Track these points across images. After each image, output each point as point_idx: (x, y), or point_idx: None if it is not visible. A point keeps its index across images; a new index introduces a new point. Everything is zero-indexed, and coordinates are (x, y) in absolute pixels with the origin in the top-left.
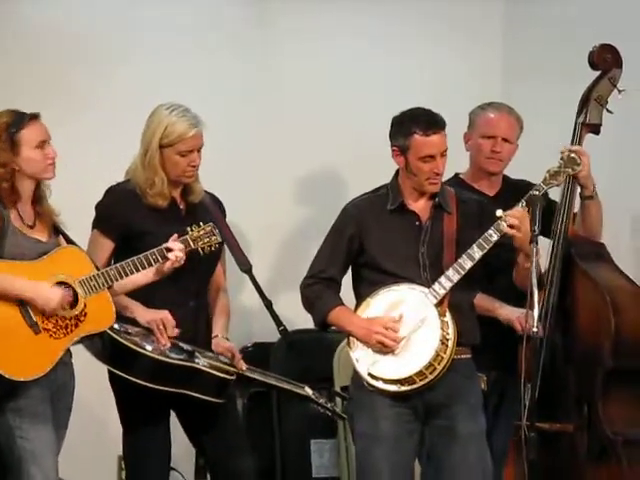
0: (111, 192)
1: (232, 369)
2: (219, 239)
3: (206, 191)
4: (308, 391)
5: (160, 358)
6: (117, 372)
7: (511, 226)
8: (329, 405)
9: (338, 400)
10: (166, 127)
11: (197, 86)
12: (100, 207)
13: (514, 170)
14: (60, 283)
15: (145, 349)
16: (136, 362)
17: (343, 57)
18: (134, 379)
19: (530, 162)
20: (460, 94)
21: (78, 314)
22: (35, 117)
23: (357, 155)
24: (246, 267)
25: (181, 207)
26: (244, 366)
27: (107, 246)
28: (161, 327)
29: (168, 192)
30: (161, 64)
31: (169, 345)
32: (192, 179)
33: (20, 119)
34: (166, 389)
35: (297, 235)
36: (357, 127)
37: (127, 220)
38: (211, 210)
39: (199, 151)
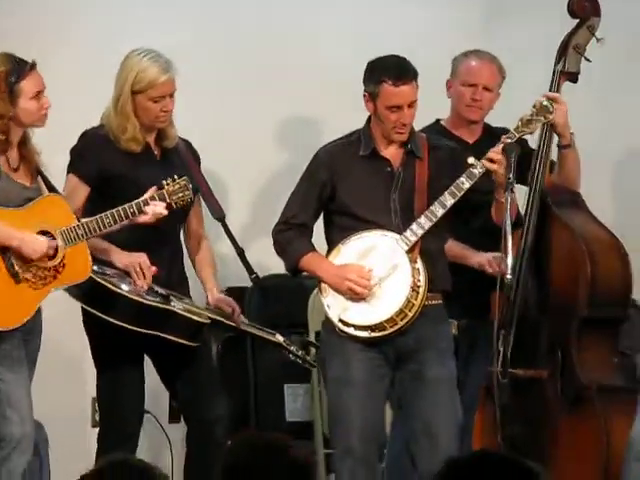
0: (85, 136)
1: (205, 314)
2: (192, 195)
3: (180, 137)
4: (279, 338)
5: (137, 299)
6: (94, 312)
7: (492, 161)
8: (300, 353)
9: (312, 349)
10: (137, 73)
11: (175, 32)
12: (74, 151)
13: (495, 117)
14: (42, 232)
15: (123, 290)
16: (113, 303)
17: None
18: (111, 319)
19: (511, 109)
20: (444, 39)
21: (57, 265)
22: (33, 66)
23: (332, 100)
24: (219, 215)
25: (155, 152)
26: (241, 321)
27: (82, 190)
28: (138, 269)
29: (141, 137)
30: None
31: (146, 287)
32: (165, 124)
33: (19, 68)
34: (142, 330)
35: (272, 180)
36: (334, 73)
37: (102, 164)
38: (185, 157)
39: (172, 96)
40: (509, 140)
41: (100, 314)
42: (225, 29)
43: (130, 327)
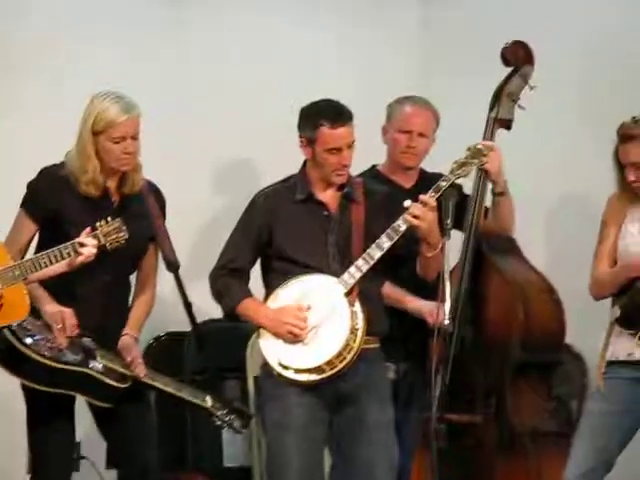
0: (44, 174)
1: (129, 374)
2: (126, 236)
3: (148, 180)
4: (208, 402)
5: (48, 363)
6: (8, 372)
7: (415, 216)
8: (227, 418)
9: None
10: (98, 113)
11: (113, 74)
12: (30, 187)
13: (431, 163)
14: None
15: (33, 350)
16: (25, 364)
17: (260, 48)
18: (23, 380)
19: (447, 155)
20: (380, 86)
21: None
22: None
23: (273, 144)
24: (173, 268)
25: (113, 199)
26: (143, 372)
27: (29, 228)
28: (60, 325)
29: (102, 181)
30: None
31: (65, 344)
32: (127, 167)
33: None
34: (55, 391)
35: (212, 223)
36: (274, 116)
37: (55, 205)
38: (147, 203)
39: (135, 138)
40: (444, 183)
41: (14, 375)
42: (164, 70)
43: (43, 389)
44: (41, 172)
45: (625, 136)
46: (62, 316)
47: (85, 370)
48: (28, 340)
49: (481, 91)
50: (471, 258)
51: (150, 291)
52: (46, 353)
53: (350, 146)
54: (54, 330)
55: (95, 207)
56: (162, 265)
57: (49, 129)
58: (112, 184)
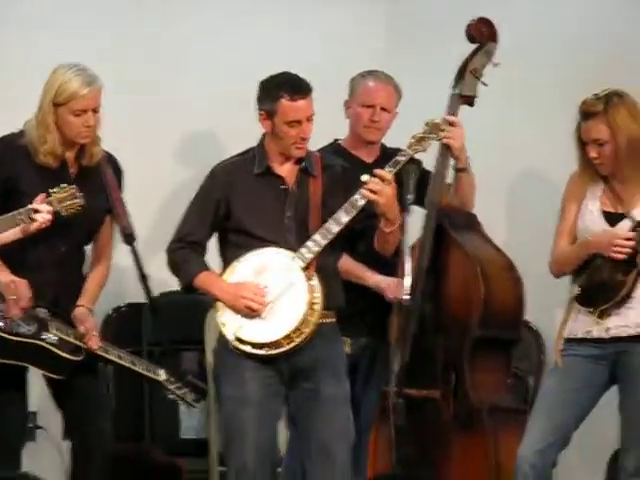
0: (2, 142)
1: (83, 346)
2: (81, 202)
3: (107, 152)
4: (161, 376)
5: (0, 334)
6: None
7: (373, 191)
8: (179, 392)
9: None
10: (60, 85)
11: (77, 46)
12: None
13: (393, 138)
14: None
15: None
16: None
17: (222, 21)
18: None
19: (410, 131)
20: (344, 61)
21: None
22: None
23: (235, 117)
24: (129, 240)
25: (71, 170)
26: (96, 345)
27: None
28: (13, 296)
29: (60, 152)
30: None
31: (18, 316)
32: (86, 140)
33: None
34: (8, 362)
35: (172, 196)
36: (236, 89)
37: (11, 174)
38: (105, 175)
39: (95, 111)
40: (402, 158)
41: None
42: (125, 44)
43: None
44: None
45: (587, 113)
46: (16, 287)
47: (38, 342)
48: None
49: (445, 67)
50: (432, 234)
51: (105, 263)
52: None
53: (309, 119)
54: (7, 302)
55: (52, 178)
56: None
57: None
58: (70, 155)
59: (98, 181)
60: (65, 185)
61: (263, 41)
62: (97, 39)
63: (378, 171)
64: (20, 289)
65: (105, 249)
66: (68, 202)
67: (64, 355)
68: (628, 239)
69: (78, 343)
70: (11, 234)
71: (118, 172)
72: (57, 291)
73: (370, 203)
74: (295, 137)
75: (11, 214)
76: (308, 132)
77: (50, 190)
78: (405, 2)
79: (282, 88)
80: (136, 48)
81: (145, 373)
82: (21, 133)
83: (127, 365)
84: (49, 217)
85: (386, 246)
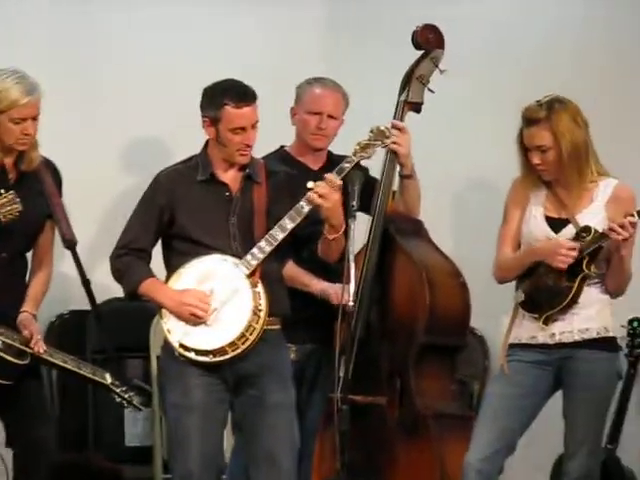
0: None
1: (28, 350)
2: (20, 208)
3: (45, 158)
4: (107, 379)
5: None
6: None
7: (320, 195)
8: (126, 395)
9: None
10: (0, 92)
11: (21, 53)
12: None
13: (339, 146)
14: None
15: None
16: None
17: (168, 25)
18: None
19: (356, 138)
20: (288, 68)
21: None
22: None
23: (181, 124)
24: (70, 244)
25: (10, 175)
26: (42, 349)
27: None
28: None
29: None
30: None
31: None
32: (25, 147)
33: None
34: None
35: (116, 202)
36: (182, 95)
37: None
38: (44, 180)
39: (35, 119)
40: (347, 165)
41: None
42: (72, 48)
43: None
44: None
45: (529, 119)
46: None
47: None
48: None
49: (391, 74)
50: (378, 240)
51: (47, 269)
52: None
53: (254, 126)
54: None
55: None
56: (60, 243)
57: None
58: (9, 161)
59: (37, 186)
60: (2, 191)
61: (207, 48)
62: (43, 43)
63: (328, 175)
64: None
65: (46, 255)
66: (7, 208)
67: (11, 359)
68: (572, 248)
69: (24, 348)
70: None
71: (57, 177)
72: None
73: (315, 209)
74: (239, 144)
75: None
76: (252, 139)
77: None
78: (348, 8)
79: (226, 95)
80: (81, 50)
81: (91, 376)
82: None
83: (73, 369)
84: None
85: (330, 252)
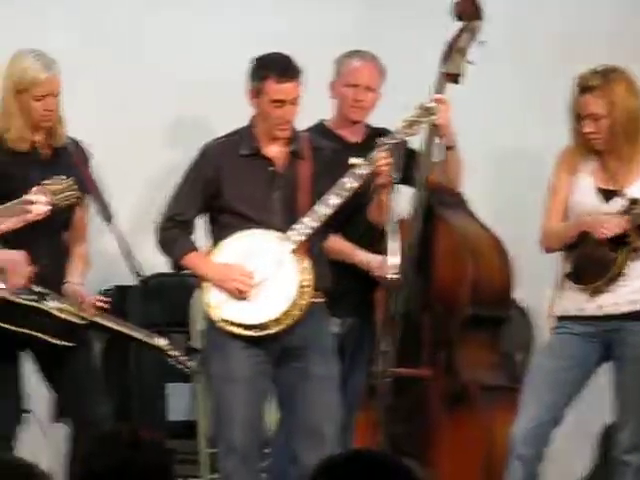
0: None
1: (84, 314)
2: (77, 194)
3: (70, 137)
4: (160, 342)
5: (8, 297)
6: None
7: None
8: (181, 358)
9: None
10: (20, 72)
11: (64, 32)
12: None
13: (376, 117)
14: None
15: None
16: None
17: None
18: None
19: (394, 110)
20: (329, 40)
21: None
22: None
23: (225, 98)
24: (106, 217)
25: (43, 151)
26: (93, 311)
27: None
28: (13, 268)
29: (28, 136)
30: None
31: (20, 285)
32: (49, 124)
33: None
34: (12, 328)
35: (163, 177)
36: (226, 70)
37: None
38: (74, 156)
39: (55, 96)
40: (393, 141)
41: None
42: (114, 29)
43: (1, 325)
44: None
45: (584, 87)
46: (14, 259)
47: (43, 307)
48: None
49: (429, 45)
50: (420, 213)
51: (84, 244)
52: (7, 293)
53: (294, 102)
54: (8, 272)
55: (27, 161)
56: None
57: None
58: (39, 138)
59: (69, 162)
60: (63, 177)
61: (251, 22)
62: (84, 20)
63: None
64: (18, 260)
65: (82, 230)
66: (66, 193)
67: (69, 318)
68: (619, 220)
69: (78, 313)
70: (9, 224)
71: (85, 153)
72: (45, 269)
73: (374, 175)
74: (278, 119)
75: (6, 205)
76: (291, 115)
77: (43, 182)
78: None
79: (270, 68)
80: (122, 29)
81: (146, 339)
82: None
83: (128, 332)
84: (45, 209)
85: (379, 216)
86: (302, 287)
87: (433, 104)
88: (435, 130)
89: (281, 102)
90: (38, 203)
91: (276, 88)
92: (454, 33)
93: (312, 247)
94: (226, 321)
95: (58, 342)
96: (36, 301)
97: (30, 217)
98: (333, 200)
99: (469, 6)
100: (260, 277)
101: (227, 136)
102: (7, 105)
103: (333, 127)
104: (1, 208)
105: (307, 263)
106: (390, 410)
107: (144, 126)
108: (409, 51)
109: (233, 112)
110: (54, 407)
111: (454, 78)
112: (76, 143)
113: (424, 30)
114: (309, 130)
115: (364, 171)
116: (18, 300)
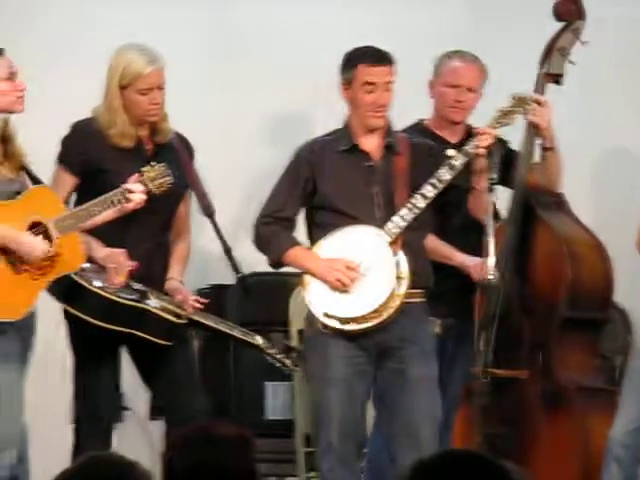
0: (76, 128)
1: (183, 313)
2: (171, 180)
3: (176, 132)
4: (259, 340)
5: (109, 296)
6: (66, 307)
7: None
8: (279, 356)
9: (293, 353)
10: (124, 67)
11: (161, 26)
12: (65, 142)
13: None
14: (34, 223)
15: (94, 286)
16: (85, 299)
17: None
18: (82, 315)
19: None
20: (428, 40)
21: (52, 255)
22: (1, 52)
23: (322, 96)
24: (209, 212)
25: (147, 147)
26: (192, 310)
27: (69, 182)
28: (115, 266)
29: (133, 132)
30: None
31: (122, 284)
32: (156, 118)
33: None
34: (114, 328)
35: (261, 176)
36: (321, 68)
37: (89, 157)
38: (178, 151)
39: (161, 89)
40: (490, 130)
41: (73, 310)
42: (213, 26)
43: (100, 324)
44: (73, 127)
45: None
46: (116, 256)
47: (144, 306)
48: (96, 283)
49: (529, 45)
50: (519, 214)
51: (186, 239)
52: (108, 292)
53: (387, 87)
54: (109, 271)
55: (130, 157)
56: (198, 218)
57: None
58: (144, 133)
59: (173, 158)
60: (155, 163)
61: (348, 21)
62: (179, 16)
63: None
64: (119, 258)
65: (184, 226)
66: (160, 180)
67: (169, 317)
68: None
69: (178, 310)
70: (108, 215)
71: (190, 149)
72: (148, 266)
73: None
74: (372, 104)
75: (105, 196)
76: (385, 99)
77: (142, 169)
78: None
79: (361, 56)
80: (220, 24)
81: (244, 338)
82: (92, 119)
83: (226, 330)
84: (144, 197)
85: (479, 205)
86: (398, 279)
87: (527, 94)
88: (534, 131)
89: (372, 85)
90: (137, 192)
91: (367, 71)
92: (554, 33)
93: (411, 243)
94: (327, 315)
95: (160, 342)
96: (137, 300)
97: (130, 206)
98: (430, 192)
99: (571, 6)
100: (361, 270)
101: (323, 136)
102: (111, 101)
103: (432, 127)
104: (100, 199)
105: (402, 256)
106: (487, 410)
107: (243, 124)
108: (507, 51)
109: (332, 112)
110: (151, 405)
111: (555, 78)
112: (180, 138)
113: (523, 32)
114: (407, 130)
115: (460, 161)
116: (121, 300)
